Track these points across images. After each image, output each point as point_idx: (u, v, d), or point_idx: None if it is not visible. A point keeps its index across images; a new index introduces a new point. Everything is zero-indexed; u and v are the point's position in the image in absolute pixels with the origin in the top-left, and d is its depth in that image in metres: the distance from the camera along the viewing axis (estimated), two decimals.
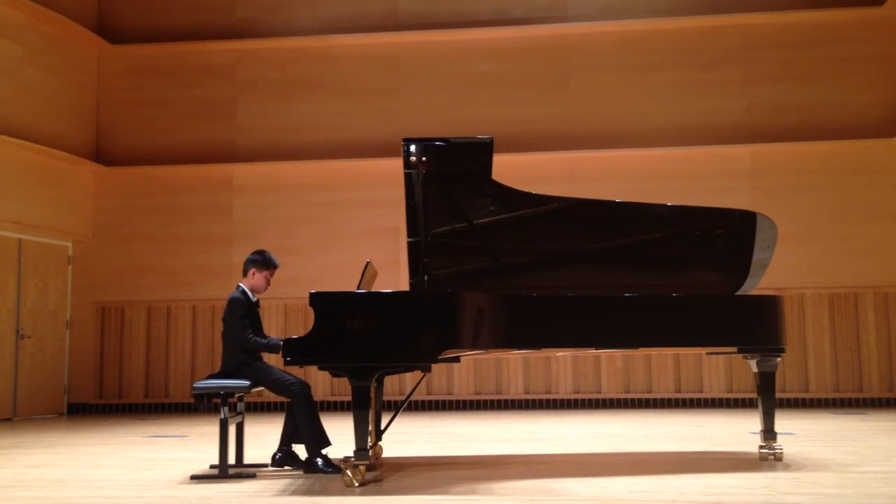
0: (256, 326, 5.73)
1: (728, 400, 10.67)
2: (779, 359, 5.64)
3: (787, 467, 5.42)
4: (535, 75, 11.43)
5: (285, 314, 11.15)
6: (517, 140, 11.11)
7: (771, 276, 6.26)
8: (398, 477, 5.29)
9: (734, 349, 5.63)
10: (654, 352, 10.21)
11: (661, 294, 5.61)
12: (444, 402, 11.00)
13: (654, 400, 10.77)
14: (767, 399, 5.61)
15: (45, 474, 5.66)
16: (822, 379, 10.61)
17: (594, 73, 11.38)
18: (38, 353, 10.73)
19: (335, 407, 10.87)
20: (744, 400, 10.58)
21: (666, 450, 6.54)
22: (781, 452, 5.64)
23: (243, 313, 5.61)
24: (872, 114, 10.95)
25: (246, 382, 5.43)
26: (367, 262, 5.48)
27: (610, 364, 10.87)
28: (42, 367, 10.79)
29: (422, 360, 5.00)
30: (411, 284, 5.54)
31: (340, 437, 6.22)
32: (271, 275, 5.84)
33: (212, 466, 5.57)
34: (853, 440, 6.92)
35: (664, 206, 6.18)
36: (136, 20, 11.99)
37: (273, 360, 6.07)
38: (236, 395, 5.57)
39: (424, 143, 5.50)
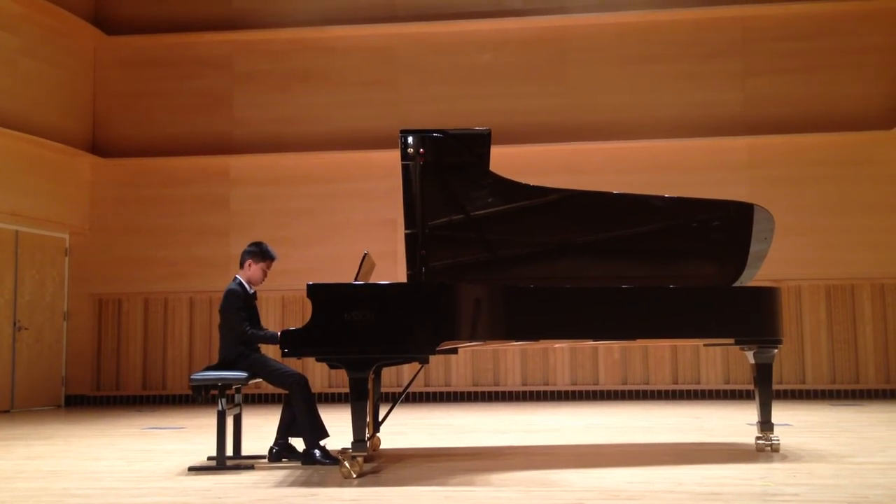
0: (254, 318, 5.72)
1: (725, 391, 10.69)
2: (776, 350, 5.66)
3: (784, 458, 5.44)
4: (532, 67, 11.40)
5: (283, 306, 11.15)
6: (515, 132, 11.09)
7: (768, 267, 6.27)
8: (396, 468, 5.30)
9: (731, 341, 5.65)
10: (652, 343, 10.21)
11: (659, 285, 5.61)
12: (441, 393, 11.01)
13: (652, 392, 10.79)
14: (764, 390, 5.62)
15: (43, 466, 5.67)
16: (819, 370, 10.63)
17: (592, 65, 11.35)
18: (35, 345, 10.72)
19: (333, 399, 10.88)
20: (741, 391, 10.60)
21: (663, 441, 6.56)
22: (778, 443, 5.66)
23: (240, 305, 5.61)
24: (870, 106, 10.94)
25: (243, 374, 5.43)
26: (365, 254, 5.48)
27: (607, 356, 10.88)
28: (39, 359, 10.79)
29: (419, 351, 5.01)
30: (409, 276, 5.53)
31: (338, 428, 6.23)
32: (268, 267, 5.83)
33: (209, 458, 5.57)
34: (849, 431, 6.94)
35: (661, 198, 6.19)
36: (133, 11, 11.94)
37: (271, 351, 6.07)
38: (234, 387, 5.57)
39: (422, 135, 5.49)
